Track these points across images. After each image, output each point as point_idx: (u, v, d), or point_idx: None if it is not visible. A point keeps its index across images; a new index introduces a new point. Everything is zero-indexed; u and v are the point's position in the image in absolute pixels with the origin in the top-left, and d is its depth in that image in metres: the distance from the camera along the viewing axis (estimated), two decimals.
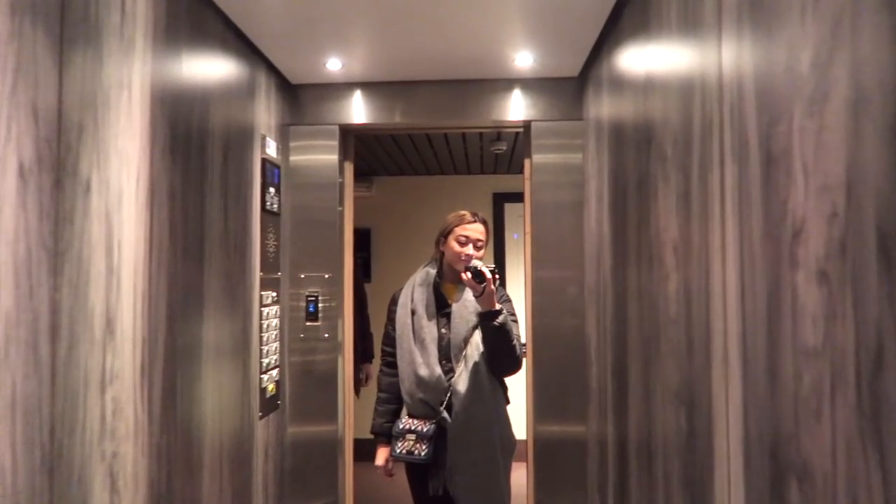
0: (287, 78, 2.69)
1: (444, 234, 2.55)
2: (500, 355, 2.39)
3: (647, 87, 1.71)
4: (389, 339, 2.62)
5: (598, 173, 2.43)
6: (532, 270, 2.75)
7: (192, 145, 1.80)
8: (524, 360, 2.64)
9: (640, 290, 1.80)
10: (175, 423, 1.69)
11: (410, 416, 2.47)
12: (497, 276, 2.34)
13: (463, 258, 2.45)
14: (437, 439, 2.41)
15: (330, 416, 2.77)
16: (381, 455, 2.59)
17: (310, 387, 2.75)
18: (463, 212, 2.55)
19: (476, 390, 2.38)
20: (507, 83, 2.75)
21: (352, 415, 2.94)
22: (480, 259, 2.45)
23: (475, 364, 2.40)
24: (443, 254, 2.57)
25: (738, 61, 1.12)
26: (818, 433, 0.86)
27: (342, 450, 2.84)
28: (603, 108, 2.33)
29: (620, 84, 2.04)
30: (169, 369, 1.65)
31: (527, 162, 2.84)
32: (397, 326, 2.53)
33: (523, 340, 2.66)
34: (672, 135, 1.49)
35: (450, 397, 2.41)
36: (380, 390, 2.65)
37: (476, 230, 2.51)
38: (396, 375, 2.55)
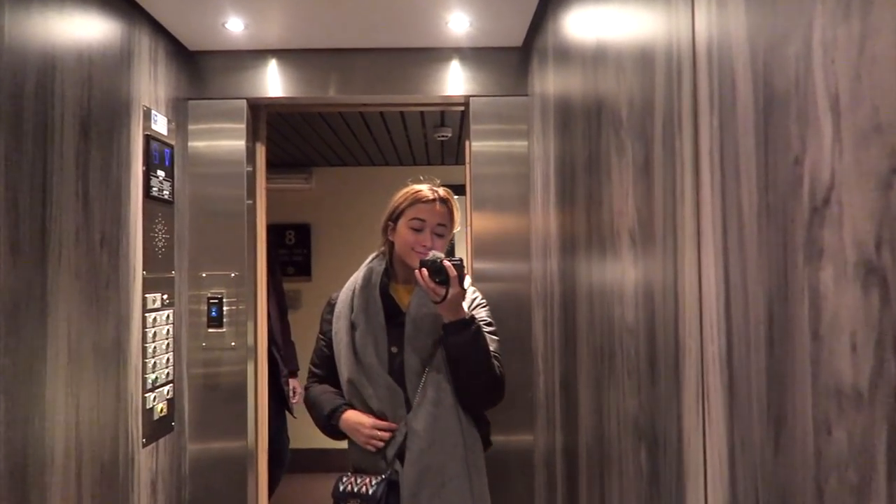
0: (182, 42, 2.29)
1: (393, 217, 1.85)
2: (474, 382, 1.73)
3: (599, 49, 1.39)
4: (321, 357, 1.91)
5: (543, 156, 2.10)
6: (473, 267, 2.42)
7: (23, 119, 1.41)
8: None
9: (592, 290, 1.48)
10: None
11: (354, 470, 1.81)
12: (465, 272, 1.70)
13: (418, 250, 1.78)
14: (389, 500, 1.73)
15: (239, 434, 2.38)
16: (358, 418, 1.77)
17: (214, 403, 2.36)
18: (418, 186, 1.86)
19: (441, 432, 1.71)
20: (445, 53, 2.41)
21: (265, 429, 2.56)
22: (442, 249, 1.81)
23: (438, 394, 1.72)
24: (392, 244, 1.87)
25: None
26: None
27: (253, 466, 2.46)
28: (548, 82, 2.01)
29: (567, 54, 1.71)
30: None
31: (466, 145, 2.50)
32: (334, 344, 1.85)
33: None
34: (628, 92, 1.16)
35: (404, 442, 1.72)
36: (313, 396, 1.90)
37: (436, 210, 1.81)
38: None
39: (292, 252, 5.30)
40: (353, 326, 1.81)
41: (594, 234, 1.44)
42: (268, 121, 4.03)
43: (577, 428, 1.61)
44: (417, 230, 1.80)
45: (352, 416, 1.77)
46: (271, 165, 5.29)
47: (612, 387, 1.30)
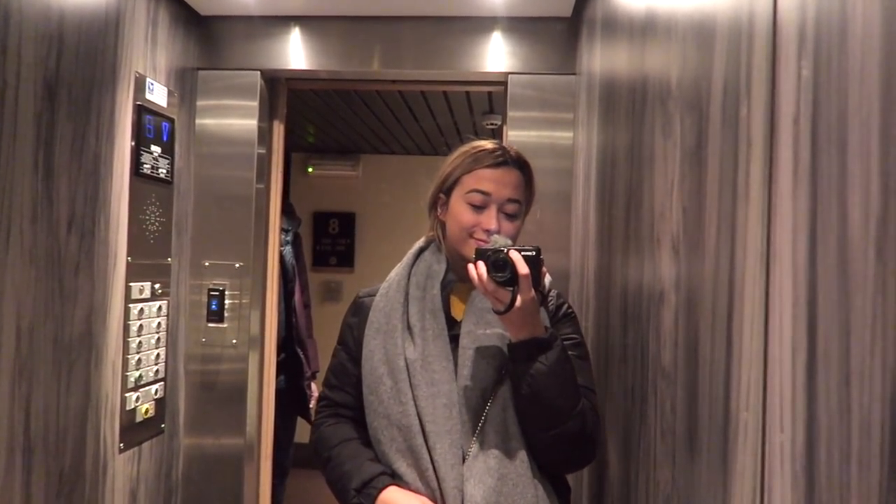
0: (191, 5, 2.07)
1: (445, 188, 1.31)
2: (551, 433, 1.15)
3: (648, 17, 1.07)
4: (341, 376, 1.36)
5: (586, 147, 1.78)
6: None
7: None
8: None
9: (626, 313, 1.17)
10: None
11: None
12: (543, 268, 1.18)
13: (477, 236, 1.24)
14: None
15: (237, 439, 2.17)
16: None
17: (211, 405, 2.15)
18: (481, 142, 1.32)
19: (507, 499, 1.14)
20: (483, 23, 2.11)
21: (269, 434, 2.34)
22: (513, 237, 1.27)
23: (504, 444, 1.18)
24: (444, 226, 1.33)
25: None
26: None
27: (252, 472, 2.25)
28: (595, 59, 1.69)
29: (614, 25, 1.38)
30: None
31: (504, 132, 2.20)
32: (366, 368, 1.27)
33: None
34: (680, 51, 0.85)
35: None
36: (327, 443, 1.33)
37: (506, 179, 1.25)
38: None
39: (335, 242, 5.11)
40: (409, 340, 1.25)
41: (631, 242, 1.12)
42: (309, 102, 3.83)
43: (604, 478, 1.30)
44: (478, 207, 1.24)
45: (396, 500, 1.17)
46: (318, 150, 5.12)
47: (643, 441, 0.99)
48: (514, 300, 1.09)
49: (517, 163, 1.28)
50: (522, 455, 1.17)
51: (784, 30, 0.54)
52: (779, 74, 0.54)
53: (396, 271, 1.35)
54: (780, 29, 0.55)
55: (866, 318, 0.40)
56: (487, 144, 1.29)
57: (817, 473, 0.45)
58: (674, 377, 0.82)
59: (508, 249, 1.12)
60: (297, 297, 2.87)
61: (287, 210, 2.91)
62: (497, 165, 1.25)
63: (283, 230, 2.77)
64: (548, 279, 1.30)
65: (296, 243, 2.96)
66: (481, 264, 1.12)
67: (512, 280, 1.10)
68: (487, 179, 1.24)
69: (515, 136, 2.11)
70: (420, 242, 1.38)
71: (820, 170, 0.47)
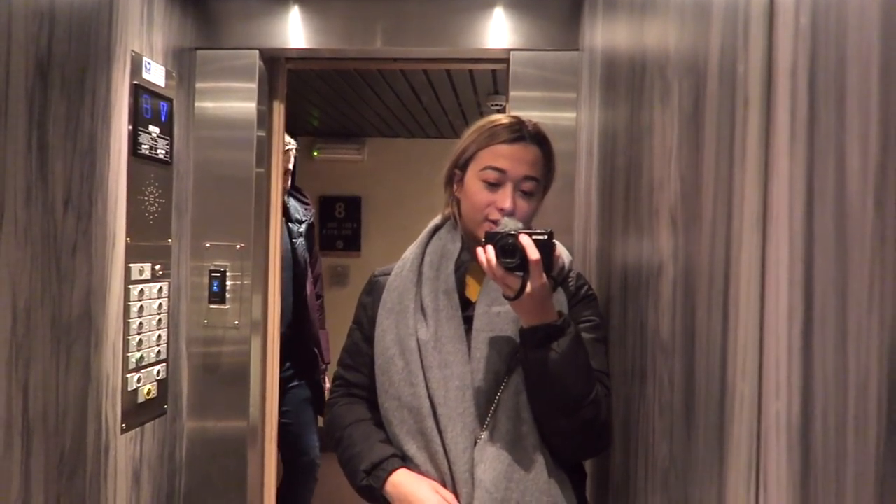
0: None
1: (461, 163, 1.26)
2: (563, 421, 1.13)
3: None
4: (355, 356, 1.35)
5: (588, 125, 1.75)
6: None
7: None
8: None
9: (626, 288, 1.15)
10: None
11: None
12: (555, 252, 1.14)
13: (492, 217, 1.19)
14: None
15: (240, 421, 2.17)
16: (415, 488, 1.15)
17: (214, 386, 2.15)
18: (496, 116, 1.27)
19: (518, 488, 1.12)
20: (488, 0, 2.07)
21: (274, 416, 2.33)
22: (529, 216, 1.22)
23: (515, 429, 1.16)
24: (459, 203, 1.29)
25: None
26: None
27: (256, 453, 2.24)
28: (597, 34, 1.65)
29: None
30: None
31: (507, 112, 2.17)
32: (377, 346, 1.27)
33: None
34: (678, 15, 0.82)
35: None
36: (340, 422, 1.32)
37: (522, 155, 1.20)
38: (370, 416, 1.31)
39: (341, 225, 5.10)
40: (422, 320, 1.23)
41: (631, 216, 1.10)
42: (313, 85, 3.80)
43: (606, 457, 1.29)
44: (493, 185, 1.19)
45: (405, 483, 1.16)
46: (322, 134, 5.09)
47: (643, 418, 0.97)
48: (523, 287, 1.05)
49: (535, 138, 1.22)
50: (534, 440, 1.14)
51: None
52: (776, 26, 0.51)
53: (411, 250, 1.32)
54: None
55: (864, 273, 0.37)
56: (504, 119, 1.24)
57: (813, 441, 0.43)
58: (672, 350, 0.80)
59: (519, 233, 1.07)
60: (308, 290, 2.68)
61: (300, 200, 2.79)
62: (514, 141, 1.20)
63: (297, 221, 2.66)
64: (568, 260, 1.27)
65: (309, 235, 2.76)
66: (490, 249, 1.07)
67: (522, 266, 1.05)
68: (503, 156, 1.19)
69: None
70: (436, 220, 1.34)
71: (818, 122, 0.44)
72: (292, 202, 2.71)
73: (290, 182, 2.67)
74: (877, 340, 0.36)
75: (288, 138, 2.54)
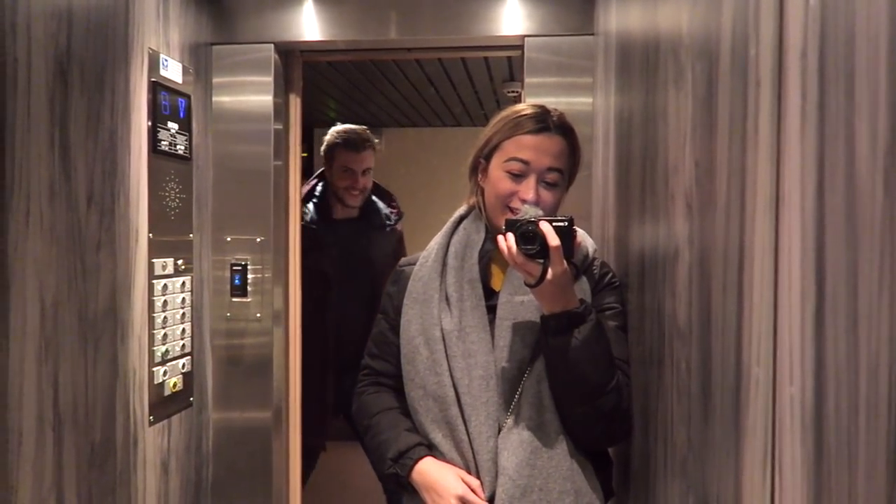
0: None
1: (486, 153, 1.27)
2: (583, 408, 1.14)
3: None
4: (381, 345, 1.37)
5: (604, 109, 1.74)
6: None
7: None
8: None
9: (644, 274, 1.14)
10: None
11: None
12: (576, 239, 1.12)
13: (514, 207, 1.20)
14: None
15: (264, 411, 2.20)
16: (441, 476, 1.17)
17: (238, 378, 2.18)
18: (521, 106, 1.28)
19: (541, 475, 1.13)
20: None
21: (297, 404, 2.36)
22: (553, 206, 1.22)
23: (539, 416, 1.17)
24: (483, 192, 1.30)
25: None
26: None
27: (281, 442, 2.28)
28: (612, 17, 1.63)
29: None
30: None
31: (523, 98, 2.16)
32: (404, 338, 1.28)
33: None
34: (690, 3, 0.81)
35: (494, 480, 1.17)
36: (367, 409, 1.35)
37: (547, 147, 1.20)
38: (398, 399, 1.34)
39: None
40: (446, 309, 1.24)
41: (647, 201, 1.09)
42: (329, 77, 3.82)
43: (628, 444, 1.29)
44: (517, 175, 1.19)
45: (431, 471, 1.17)
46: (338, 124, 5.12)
47: (661, 404, 0.97)
48: (544, 273, 1.06)
49: (560, 129, 1.23)
50: (557, 428, 1.16)
51: None
52: (786, 5, 0.51)
53: (436, 240, 1.33)
54: None
55: (874, 254, 0.37)
56: (528, 109, 1.25)
57: (825, 425, 0.43)
58: (688, 336, 0.80)
59: (539, 220, 1.08)
60: None
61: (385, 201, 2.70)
62: (538, 132, 1.20)
63: (379, 225, 2.63)
64: (592, 248, 1.28)
65: (390, 237, 2.70)
66: (511, 236, 1.09)
67: (542, 252, 1.06)
68: (527, 147, 1.20)
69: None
70: (461, 210, 1.35)
71: (827, 103, 0.44)
72: (379, 203, 2.67)
73: (368, 183, 2.60)
74: (887, 323, 0.36)
75: (367, 132, 2.61)
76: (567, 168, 1.24)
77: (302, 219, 2.40)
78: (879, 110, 0.37)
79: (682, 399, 0.82)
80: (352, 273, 2.56)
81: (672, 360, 0.88)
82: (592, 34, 2.00)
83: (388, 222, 2.68)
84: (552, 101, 2.06)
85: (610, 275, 1.29)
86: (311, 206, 2.59)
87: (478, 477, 1.16)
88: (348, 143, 2.54)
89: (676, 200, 0.86)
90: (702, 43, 0.75)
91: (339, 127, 2.63)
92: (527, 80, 2.07)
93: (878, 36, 0.37)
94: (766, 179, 0.54)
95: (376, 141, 2.66)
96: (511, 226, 1.10)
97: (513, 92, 3.70)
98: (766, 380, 0.54)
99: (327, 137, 2.64)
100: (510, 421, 1.17)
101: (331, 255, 2.56)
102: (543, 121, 1.22)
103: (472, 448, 1.17)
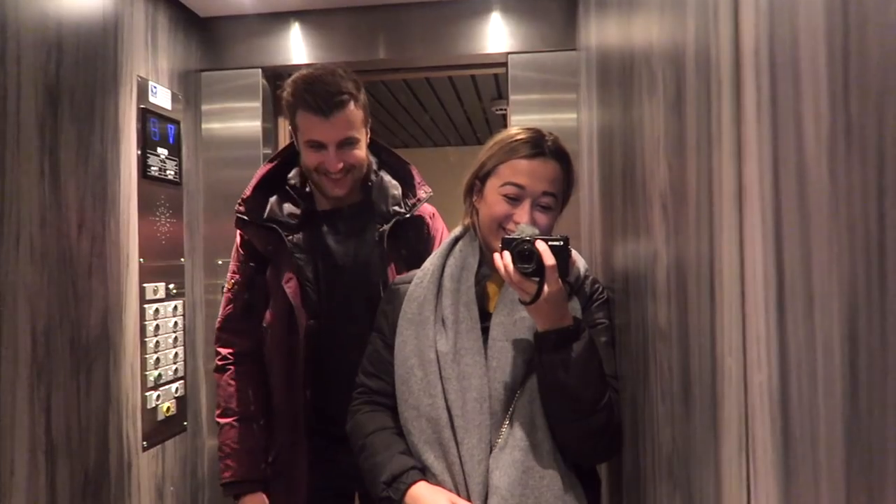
0: (190, 8, 2.09)
1: (481, 175, 1.28)
2: (576, 425, 1.14)
3: None
4: (376, 363, 1.34)
5: (588, 123, 1.77)
6: None
7: None
8: None
9: (627, 279, 1.16)
10: None
11: None
12: (570, 258, 1.15)
13: (509, 229, 1.21)
14: None
15: None
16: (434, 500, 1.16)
17: None
18: (516, 130, 1.27)
19: (533, 495, 1.13)
20: (482, 4, 2.10)
21: None
22: (546, 230, 1.22)
23: (531, 435, 1.17)
24: (478, 213, 1.30)
25: None
26: None
27: None
28: (591, 34, 1.67)
29: None
30: None
31: (507, 116, 2.19)
32: (398, 359, 1.27)
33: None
34: (658, 5, 0.83)
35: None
36: (362, 430, 1.32)
37: (542, 171, 1.21)
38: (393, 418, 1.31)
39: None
40: (442, 332, 1.23)
41: (629, 210, 1.11)
42: None
43: (620, 457, 1.29)
44: (512, 199, 1.21)
45: (424, 497, 1.16)
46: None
47: (647, 408, 0.98)
48: (540, 291, 1.07)
49: (555, 153, 1.23)
50: (549, 447, 1.16)
51: None
52: (741, 9, 0.53)
53: (431, 261, 1.33)
54: None
55: (822, 236, 0.38)
56: (523, 134, 1.25)
57: (790, 406, 0.44)
58: (669, 336, 0.81)
59: (535, 239, 1.10)
60: None
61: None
62: (533, 157, 1.21)
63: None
64: (584, 267, 1.29)
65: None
66: (507, 254, 1.10)
67: (538, 271, 1.08)
68: (522, 172, 1.21)
69: (519, 121, 2.10)
70: (456, 231, 1.35)
71: (778, 97, 0.45)
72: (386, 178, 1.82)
73: (354, 159, 1.63)
74: (837, 299, 0.37)
75: (342, 80, 1.51)
76: (561, 192, 1.26)
77: (253, 218, 1.56)
78: (821, 95, 0.39)
79: (666, 400, 0.83)
80: (347, 306, 1.58)
81: (656, 363, 0.89)
82: (575, 49, 2.04)
83: (397, 210, 1.69)
84: (537, 119, 2.10)
85: (599, 290, 1.30)
86: (273, 199, 1.59)
87: (468, 500, 1.15)
88: (309, 104, 1.46)
89: (653, 204, 0.87)
90: (670, 50, 0.77)
91: (304, 71, 1.52)
92: (511, 97, 2.10)
93: (817, 29, 0.39)
94: (730, 174, 0.56)
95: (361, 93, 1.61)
96: (508, 244, 1.11)
97: (500, 110, 3.74)
98: (738, 369, 0.55)
99: (285, 92, 1.52)
100: (502, 440, 1.17)
101: (311, 276, 1.57)
102: (539, 146, 1.22)
103: (462, 471, 1.17)
